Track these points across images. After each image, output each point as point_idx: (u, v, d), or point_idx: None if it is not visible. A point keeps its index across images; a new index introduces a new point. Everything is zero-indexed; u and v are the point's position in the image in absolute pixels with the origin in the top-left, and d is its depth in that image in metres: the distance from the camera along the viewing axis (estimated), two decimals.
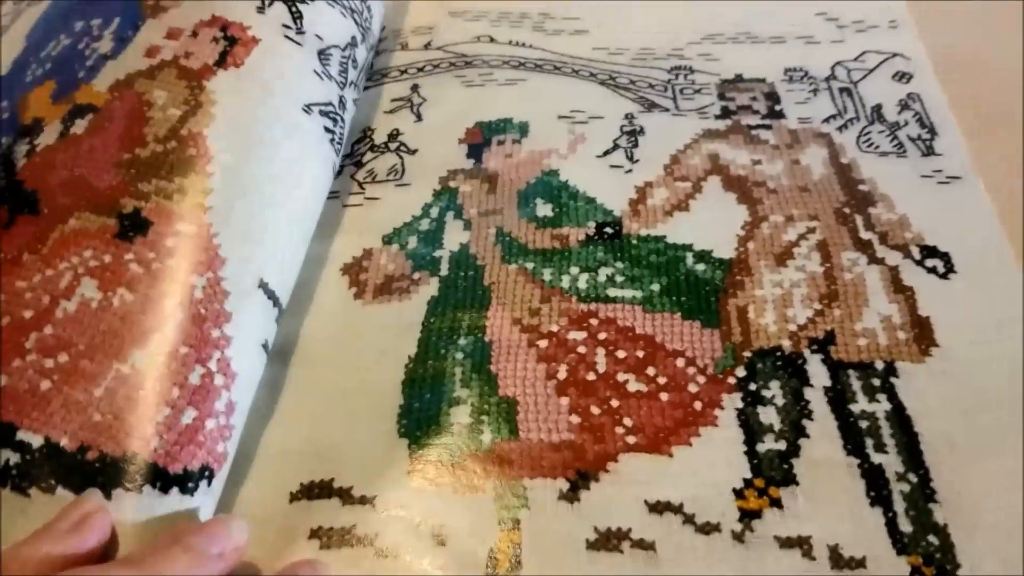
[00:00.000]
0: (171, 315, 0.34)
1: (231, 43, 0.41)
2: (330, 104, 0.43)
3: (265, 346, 0.37)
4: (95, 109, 0.40)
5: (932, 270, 0.40)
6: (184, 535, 0.29)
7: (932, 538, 0.32)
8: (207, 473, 0.32)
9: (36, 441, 0.31)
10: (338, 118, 0.44)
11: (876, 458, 0.34)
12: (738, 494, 0.34)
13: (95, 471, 0.31)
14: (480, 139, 0.48)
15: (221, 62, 0.40)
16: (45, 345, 0.33)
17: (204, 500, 0.33)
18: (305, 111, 0.41)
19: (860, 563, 0.31)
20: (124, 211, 0.36)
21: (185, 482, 0.32)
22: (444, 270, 0.42)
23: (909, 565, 0.31)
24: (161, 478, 0.31)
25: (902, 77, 0.50)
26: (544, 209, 0.44)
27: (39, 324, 0.34)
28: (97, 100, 0.40)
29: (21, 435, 0.32)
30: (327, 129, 0.43)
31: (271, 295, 0.37)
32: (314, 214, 0.42)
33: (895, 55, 0.51)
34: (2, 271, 0.35)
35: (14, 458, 0.31)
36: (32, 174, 0.38)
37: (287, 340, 0.40)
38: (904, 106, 0.48)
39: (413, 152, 0.48)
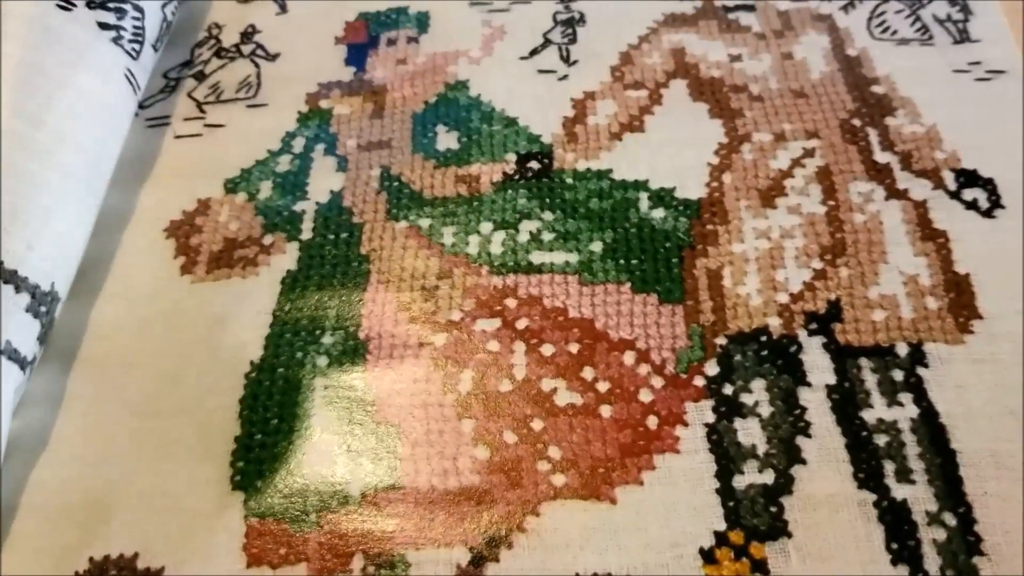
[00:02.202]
0: None
1: None
2: None
3: (12, 352, 0.28)
4: None
5: (972, 205, 0.33)
6: None
7: None
8: None
9: None
10: (124, 9, 0.34)
11: (899, 491, 0.27)
12: (707, 557, 0.26)
13: None
14: (364, 37, 0.39)
15: None
16: None
17: None
18: (63, 6, 0.33)
19: None
20: None
21: None
22: (307, 231, 0.34)
23: None
24: None
25: None
26: (448, 139, 0.36)
27: None
28: None
29: None
30: (104, 25, 0.34)
31: (10, 278, 0.29)
32: (98, 152, 0.33)
33: None
34: None
35: None
36: None
37: (71, 337, 0.31)
38: None
39: (273, 57, 0.39)
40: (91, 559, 0.27)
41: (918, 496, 0.27)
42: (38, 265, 0.29)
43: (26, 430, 0.29)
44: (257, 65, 0.38)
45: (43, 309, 0.29)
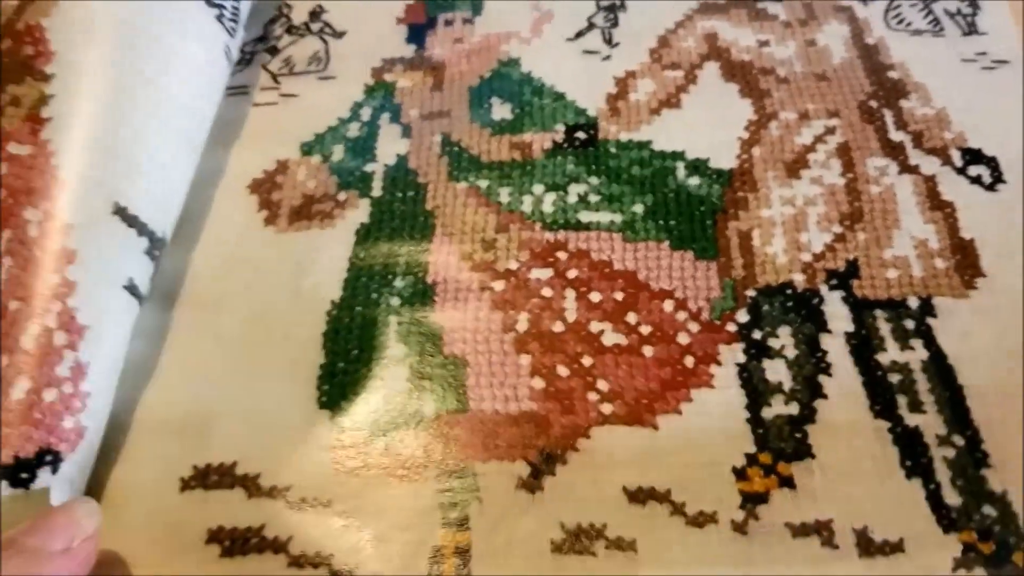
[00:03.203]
0: None
1: None
2: None
3: (132, 288, 0.31)
4: None
5: (976, 180, 0.35)
6: (15, 535, 0.25)
7: (988, 509, 0.27)
8: (48, 458, 0.27)
9: None
10: None
11: (911, 419, 0.29)
12: (739, 474, 0.29)
13: None
14: (423, 18, 0.41)
15: None
16: None
17: (57, 491, 0.27)
18: None
19: (897, 547, 0.27)
20: None
21: (17, 473, 0.27)
22: (377, 189, 0.36)
23: (961, 543, 0.27)
24: None
25: None
26: (502, 110, 0.37)
27: None
28: None
29: None
30: (210, 3, 0.36)
31: (133, 221, 0.31)
32: (200, 111, 0.35)
33: None
34: None
35: None
36: None
37: (173, 279, 0.34)
38: None
39: (340, 35, 0.41)
40: (194, 467, 0.29)
41: (929, 423, 0.29)
42: (153, 213, 0.32)
43: (135, 358, 0.31)
44: (325, 41, 0.40)
45: (156, 253, 0.32)
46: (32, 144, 0.31)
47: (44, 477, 0.27)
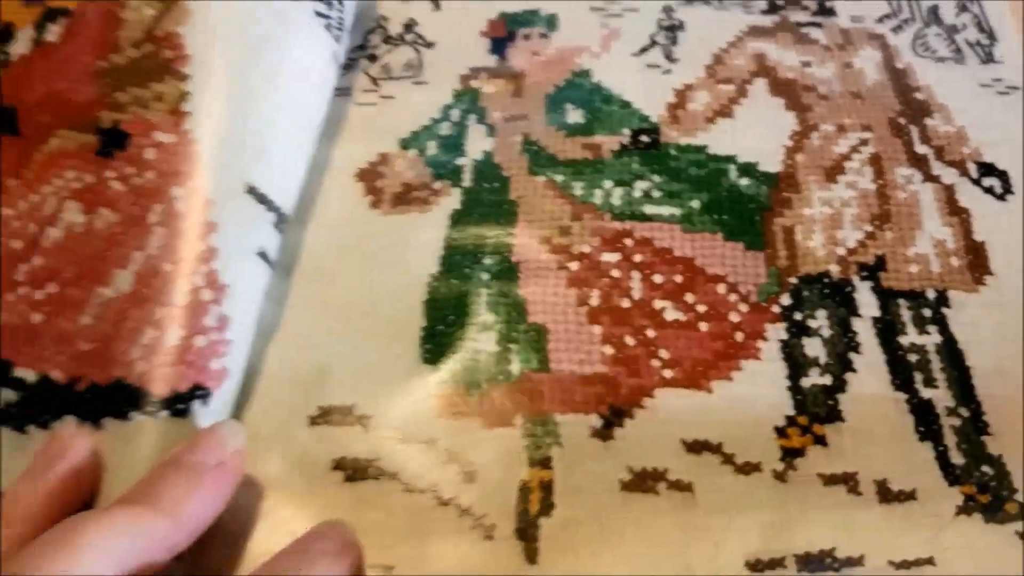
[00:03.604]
0: (152, 232, 0.33)
1: None
2: None
3: (263, 255, 0.35)
4: (68, 12, 0.39)
5: (989, 190, 0.39)
6: (175, 453, 0.28)
7: (986, 468, 0.32)
8: (200, 392, 0.31)
9: (31, 377, 0.31)
10: (332, 0, 0.41)
11: (926, 393, 0.33)
12: (780, 432, 0.33)
13: (85, 402, 0.30)
14: (504, 32, 0.45)
15: None
16: (35, 277, 0.32)
17: (201, 421, 0.31)
18: None
19: (910, 495, 0.31)
20: (102, 125, 0.35)
21: (175, 403, 0.31)
22: (467, 181, 0.39)
23: (962, 494, 0.31)
24: (148, 402, 0.31)
25: None
26: (575, 115, 0.41)
27: (28, 255, 0.33)
28: (69, 2, 0.39)
29: (17, 372, 0.31)
30: (320, 14, 0.40)
31: (263, 199, 0.35)
32: (313, 108, 0.39)
33: None
34: None
35: (11, 396, 0.31)
36: (10, 89, 0.37)
37: (291, 253, 0.37)
38: (962, 8, 0.45)
39: (431, 45, 0.45)
40: (319, 407, 0.33)
41: (940, 396, 0.33)
42: (278, 193, 0.36)
43: (262, 319, 0.35)
44: (418, 51, 0.44)
45: (282, 227, 0.36)
46: (175, 133, 0.35)
47: (196, 408, 0.31)
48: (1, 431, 0.31)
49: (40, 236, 0.34)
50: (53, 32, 0.39)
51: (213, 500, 0.28)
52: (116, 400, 0.31)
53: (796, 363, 0.34)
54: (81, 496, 0.29)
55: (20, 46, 0.39)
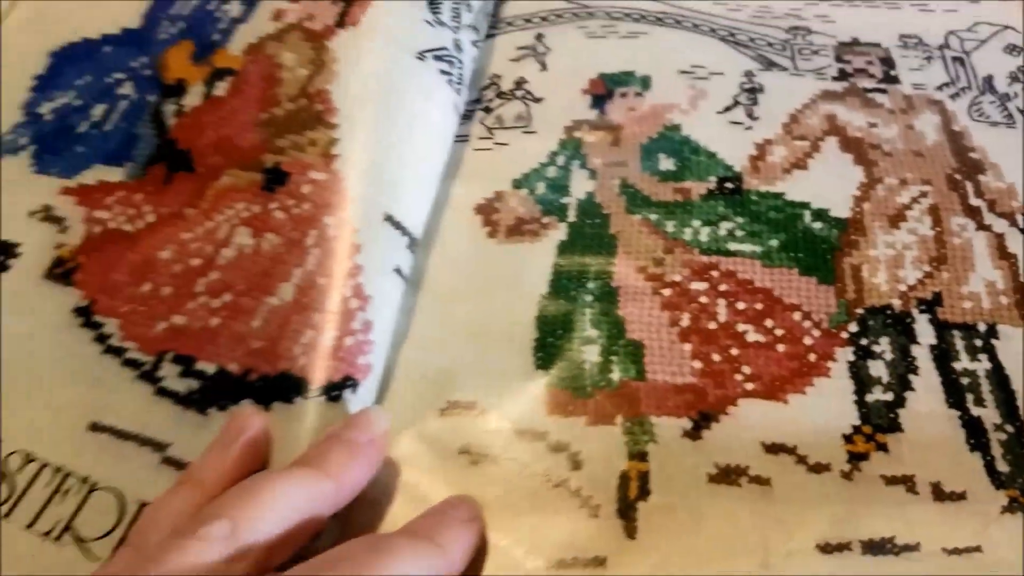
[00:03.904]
0: (309, 252, 0.39)
1: (348, 3, 0.46)
2: (444, 48, 0.47)
3: (399, 271, 0.41)
4: (233, 72, 0.46)
5: None
6: (335, 431, 0.33)
7: None
8: (350, 383, 0.37)
9: (210, 369, 0.37)
10: (454, 60, 0.47)
11: (976, 411, 0.36)
12: (847, 439, 0.36)
13: (257, 390, 0.37)
14: (603, 90, 0.50)
15: (340, 22, 0.45)
16: (212, 288, 0.39)
17: (352, 407, 0.37)
18: (419, 58, 0.45)
19: (960, 496, 0.34)
20: (266, 166, 0.42)
21: (331, 391, 0.36)
22: (572, 216, 0.44)
23: (1007, 497, 0.33)
24: (308, 390, 0.36)
25: (1012, 50, 0.51)
26: (667, 163, 0.46)
27: (205, 271, 0.39)
28: (234, 63, 0.47)
29: (199, 365, 0.38)
30: (443, 72, 0.46)
31: (398, 226, 0.41)
32: (439, 151, 0.45)
33: (1006, 27, 0.52)
34: (170, 224, 0.41)
35: (195, 384, 0.37)
36: (183, 134, 0.44)
37: (419, 272, 0.43)
38: (1014, 78, 0.49)
39: (539, 100, 0.50)
40: (447, 401, 0.38)
41: (988, 415, 0.36)
42: (411, 221, 0.42)
43: (395, 327, 0.41)
44: (527, 105, 0.49)
45: (413, 249, 0.42)
46: (327, 172, 0.41)
47: (347, 395, 0.37)
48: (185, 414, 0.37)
49: (216, 255, 0.40)
50: (220, 88, 0.46)
51: (366, 469, 0.33)
52: (283, 388, 0.37)
53: (862, 381, 0.38)
54: (257, 464, 0.35)
55: (192, 99, 0.47)
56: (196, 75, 0.47)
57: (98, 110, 0.48)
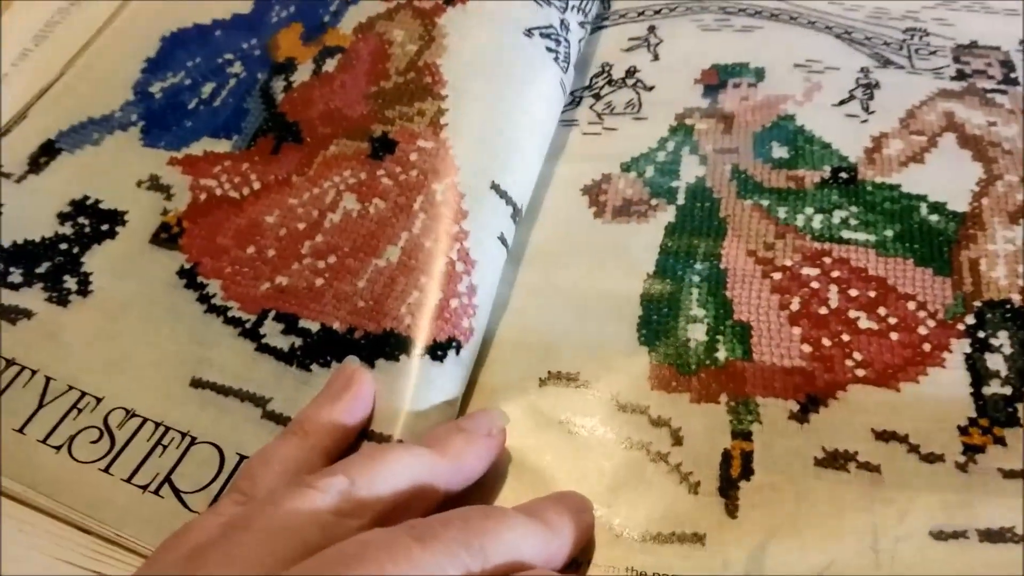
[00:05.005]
0: (416, 216, 0.40)
1: None
2: (550, 26, 0.48)
3: (503, 239, 0.41)
4: (343, 50, 0.48)
5: None
6: (458, 421, 0.34)
7: None
8: (454, 344, 0.37)
9: (314, 327, 0.38)
10: (560, 39, 0.48)
11: None
12: (963, 431, 0.35)
13: (361, 347, 0.37)
14: (716, 80, 0.50)
15: (449, 1, 0.47)
16: (317, 250, 0.40)
17: (454, 368, 0.37)
18: (526, 35, 0.46)
19: None
20: (374, 135, 0.43)
21: (435, 351, 0.37)
22: (681, 199, 0.44)
23: None
24: (413, 348, 0.37)
25: None
26: (780, 151, 0.45)
27: (311, 234, 0.41)
28: (344, 42, 0.49)
29: (302, 323, 0.39)
30: (549, 49, 0.47)
31: (503, 195, 0.42)
32: (544, 124, 0.46)
33: None
34: (276, 191, 0.43)
35: (298, 342, 0.38)
36: (292, 108, 0.46)
37: (520, 246, 0.43)
38: None
39: (650, 89, 0.50)
40: (549, 371, 0.38)
41: None
42: (515, 191, 0.42)
43: (497, 298, 0.41)
44: (638, 92, 0.50)
45: (517, 219, 0.43)
46: (435, 141, 0.42)
47: (451, 356, 0.37)
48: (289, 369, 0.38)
49: (322, 220, 0.41)
50: (330, 65, 0.48)
51: (482, 459, 0.34)
52: (388, 346, 0.37)
53: (979, 374, 0.37)
54: (363, 418, 0.35)
55: (302, 75, 0.49)
56: (306, 54, 0.49)
57: (207, 87, 0.50)
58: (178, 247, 0.43)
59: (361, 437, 0.35)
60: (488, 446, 0.33)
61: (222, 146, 0.47)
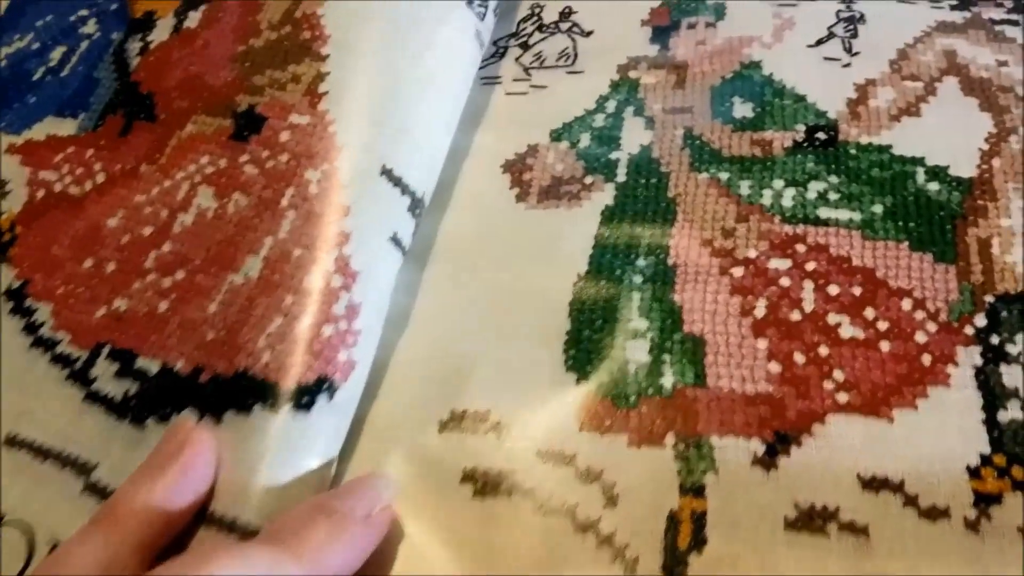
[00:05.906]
0: (284, 215, 0.33)
1: None
2: None
3: (396, 240, 0.34)
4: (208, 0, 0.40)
5: None
6: (324, 498, 0.28)
7: None
8: (326, 385, 0.30)
9: (153, 367, 0.32)
10: None
11: None
12: (973, 473, 0.28)
13: (207, 394, 0.30)
14: (667, 21, 0.42)
15: None
16: (163, 263, 0.34)
17: (326, 418, 0.30)
18: None
19: None
20: (238, 109, 0.36)
21: (299, 397, 0.30)
22: (621, 175, 0.37)
23: None
24: (271, 394, 0.30)
25: None
26: (743, 109, 0.38)
27: (158, 241, 0.34)
28: None
29: (139, 362, 0.32)
30: None
31: (398, 182, 0.34)
32: (455, 88, 0.39)
33: None
34: (122, 184, 0.36)
35: (132, 388, 0.32)
36: (147, 75, 0.40)
37: (426, 240, 0.37)
38: None
39: (587, 34, 0.43)
40: (451, 410, 0.32)
41: None
42: (415, 176, 0.35)
43: (392, 308, 0.34)
44: (573, 40, 0.42)
45: (417, 211, 0.35)
46: (311, 115, 0.35)
47: (321, 403, 0.30)
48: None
49: (171, 222, 0.34)
50: (193, 19, 0.40)
51: (354, 553, 0.27)
52: (239, 392, 0.30)
53: (992, 393, 0.30)
54: (194, 498, 0.28)
55: (160, 33, 0.41)
56: (167, 7, 0.42)
57: (56, 52, 0.43)
58: (7, 259, 0.37)
59: (199, 521, 0.28)
60: (364, 536, 0.27)
61: (67, 127, 0.40)
